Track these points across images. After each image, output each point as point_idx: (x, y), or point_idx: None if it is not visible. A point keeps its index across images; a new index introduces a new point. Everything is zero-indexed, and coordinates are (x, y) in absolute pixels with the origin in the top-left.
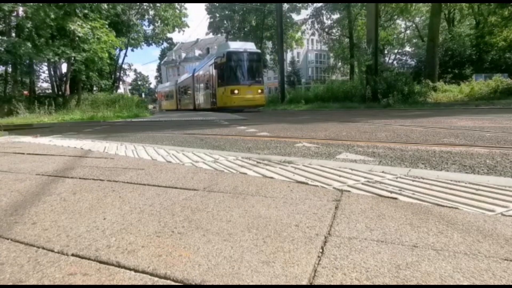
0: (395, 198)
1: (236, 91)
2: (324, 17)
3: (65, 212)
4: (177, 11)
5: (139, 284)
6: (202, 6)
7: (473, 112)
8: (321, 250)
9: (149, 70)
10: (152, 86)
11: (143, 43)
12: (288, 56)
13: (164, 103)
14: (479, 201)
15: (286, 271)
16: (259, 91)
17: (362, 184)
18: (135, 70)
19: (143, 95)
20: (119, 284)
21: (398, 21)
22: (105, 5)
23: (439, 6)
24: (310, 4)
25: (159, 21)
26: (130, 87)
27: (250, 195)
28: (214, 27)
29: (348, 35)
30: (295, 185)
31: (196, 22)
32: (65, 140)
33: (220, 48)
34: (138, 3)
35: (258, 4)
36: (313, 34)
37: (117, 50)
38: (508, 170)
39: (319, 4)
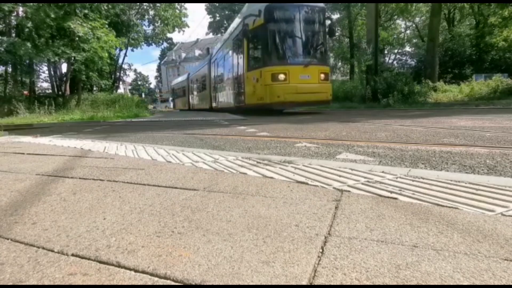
0: (395, 198)
1: (281, 76)
2: None
3: (65, 212)
4: (177, 11)
5: (139, 284)
6: (202, 6)
7: (473, 112)
8: (321, 250)
9: (149, 70)
10: (152, 86)
11: (143, 43)
12: None
13: (177, 101)
14: (479, 201)
15: (286, 271)
16: (322, 76)
17: (362, 184)
18: (135, 70)
19: (143, 95)
20: (119, 284)
21: (398, 21)
22: (105, 5)
23: (439, 6)
24: None
25: (159, 21)
26: (130, 87)
27: (250, 195)
28: (214, 27)
29: (348, 35)
30: (295, 185)
31: (196, 22)
32: (65, 140)
33: (253, 4)
34: (138, 3)
35: None
36: None
37: (117, 50)
38: (508, 170)
39: None
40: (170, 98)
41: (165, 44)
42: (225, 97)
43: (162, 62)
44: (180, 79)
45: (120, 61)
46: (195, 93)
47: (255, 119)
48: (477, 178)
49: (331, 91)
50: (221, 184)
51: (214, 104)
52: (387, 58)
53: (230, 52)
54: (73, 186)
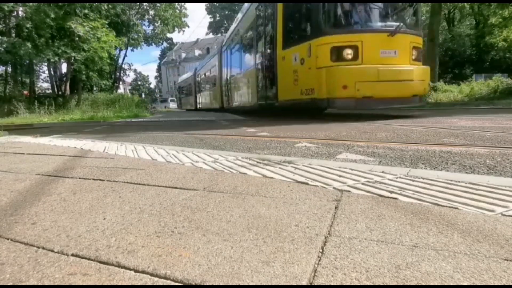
0: (395, 198)
1: (349, 52)
2: None
3: (65, 212)
4: (177, 11)
5: (139, 284)
6: (202, 6)
7: (473, 112)
8: (321, 250)
9: (149, 70)
10: (152, 86)
11: (143, 43)
12: None
13: (183, 101)
14: (479, 201)
15: (286, 271)
16: (415, 53)
17: (362, 184)
18: (135, 70)
19: (143, 95)
20: (119, 284)
21: None
22: (105, 5)
23: (439, 6)
24: None
25: (159, 21)
26: (130, 87)
27: (250, 195)
28: (214, 27)
29: None
30: (295, 185)
31: (196, 22)
32: (65, 140)
33: None
34: (138, 3)
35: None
36: None
37: (117, 50)
38: (508, 170)
39: None
40: (169, 98)
41: (165, 44)
42: (243, 93)
43: (162, 62)
44: (186, 76)
45: (120, 61)
46: (202, 90)
47: (255, 119)
48: (477, 178)
49: (428, 78)
50: (221, 184)
51: (226, 103)
52: None
53: (252, 27)
54: (73, 186)
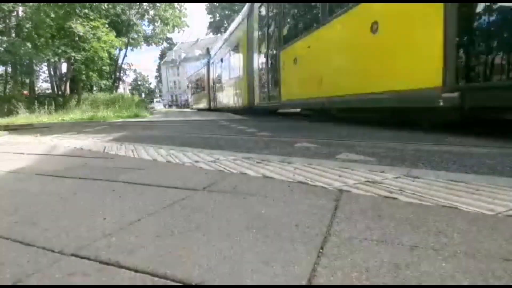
0: (395, 198)
1: None
2: None
3: (65, 212)
4: (177, 11)
5: (139, 284)
6: (202, 6)
7: None
8: (321, 250)
9: (149, 70)
10: (152, 86)
11: (143, 43)
12: None
13: (194, 99)
14: (479, 201)
15: (286, 271)
16: None
17: (362, 184)
18: (135, 70)
19: (143, 95)
20: (119, 284)
21: None
22: (104, 5)
23: None
24: None
25: (159, 21)
26: (130, 87)
27: (250, 195)
28: (214, 27)
29: None
30: (295, 185)
31: (196, 22)
32: (65, 140)
33: None
34: (138, 3)
35: None
36: None
37: (117, 50)
38: (508, 170)
39: None
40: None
41: (165, 44)
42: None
43: (162, 62)
44: (197, 65)
45: (120, 61)
46: (218, 83)
47: (255, 119)
48: (477, 178)
49: None
50: (221, 184)
51: (262, 97)
52: None
53: None
54: (73, 186)
